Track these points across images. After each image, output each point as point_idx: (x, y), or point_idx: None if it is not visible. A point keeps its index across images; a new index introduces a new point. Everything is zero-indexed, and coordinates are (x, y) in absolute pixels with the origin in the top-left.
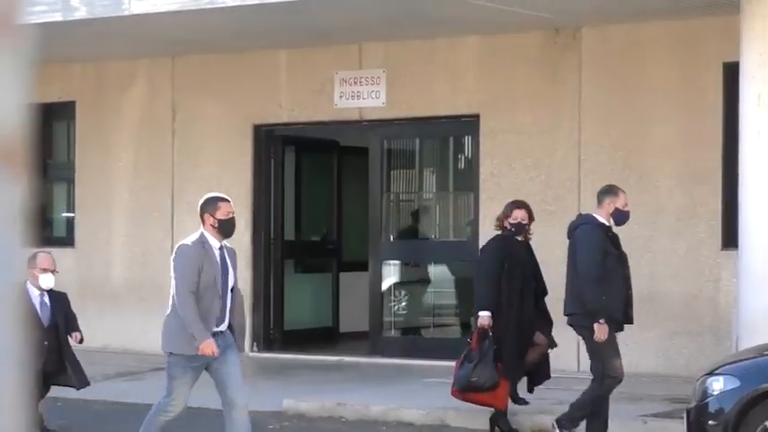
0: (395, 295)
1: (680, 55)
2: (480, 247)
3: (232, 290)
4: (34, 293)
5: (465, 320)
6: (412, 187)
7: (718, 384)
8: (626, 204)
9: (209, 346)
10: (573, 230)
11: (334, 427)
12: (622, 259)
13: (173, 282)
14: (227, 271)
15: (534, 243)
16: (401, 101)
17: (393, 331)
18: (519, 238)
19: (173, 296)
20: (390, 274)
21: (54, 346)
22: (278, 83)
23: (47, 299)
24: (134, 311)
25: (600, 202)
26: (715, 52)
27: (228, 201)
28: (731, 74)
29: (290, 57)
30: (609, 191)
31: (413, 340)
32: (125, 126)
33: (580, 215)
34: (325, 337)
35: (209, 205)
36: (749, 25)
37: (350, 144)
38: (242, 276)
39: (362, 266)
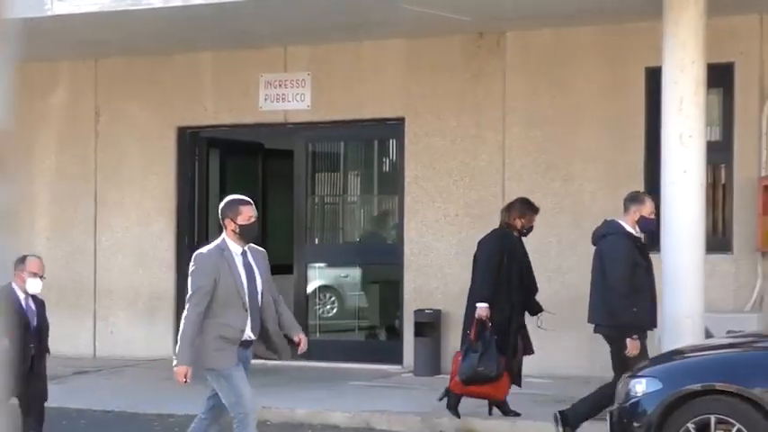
0: (320, 298)
1: (604, 60)
2: (478, 240)
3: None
4: (20, 296)
5: (390, 323)
6: (337, 190)
7: (640, 386)
8: (652, 212)
9: (180, 372)
10: (599, 238)
11: (259, 430)
12: (650, 268)
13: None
14: (254, 277)
15: (461, 246)
16: (326, 104)
17: (318, 334)
18: (515, 234)
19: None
20: (315, 277)
21: (37, 351)
22: (202, 85)
23: (32, 303)
24: (57, 314)
25: (626, 209)
26: (638, 58)
27: (251, 204)
28: (654, 79)
29: (214, 59)
30: (635, 198)
31: (338, 343)
32: (48, 128)
33: (606, 222)
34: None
35: (231, 209)
36: (671, 31)
37: (275, 147)
38: (165, 279)
39: (287, 269)
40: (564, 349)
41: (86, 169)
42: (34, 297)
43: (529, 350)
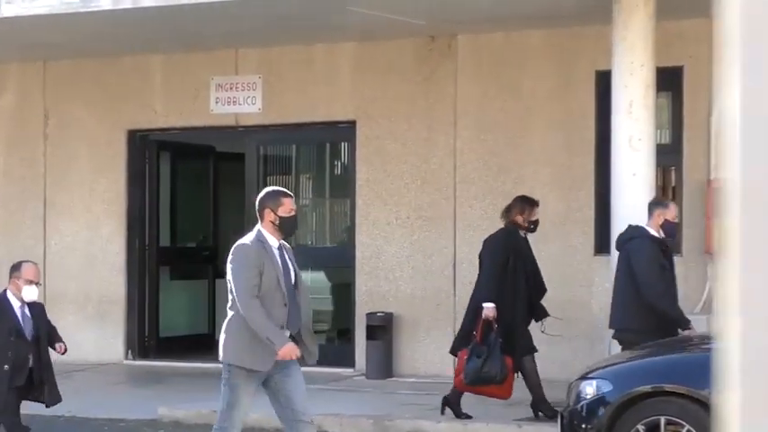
0: None
1: (554, 63)
2: (484, 239)
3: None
4: (15, 305)
5: (342, 327)
6: None
7: (590, 388)
8: (676, 216)
9: (290, 350)
10: (624, 243)
11: None
12: (673, 271)
13: (230, 286)
14: (289, 271)
15: (412, 249)
16: (278, 107)
17: None
18: (521, 233)
19: (231, 303)
20: None
21: (36, 360)
22: (153, 88)
23: (27, 310)
24: None
25: (650, 213)
26: (588, 61)
27: (292, 196)
28: (604, 82)
29: (164, 61)
30: (659, 203)
31: None
32: None
33: (630, 227)
34: (202, 344)
35: (271, 200)
36: (621, 35)
37: (226, 150)
38: (115, 282)
39: None
40: None
41: (35, 172)
42: (31, 303)
43: (532, 349)
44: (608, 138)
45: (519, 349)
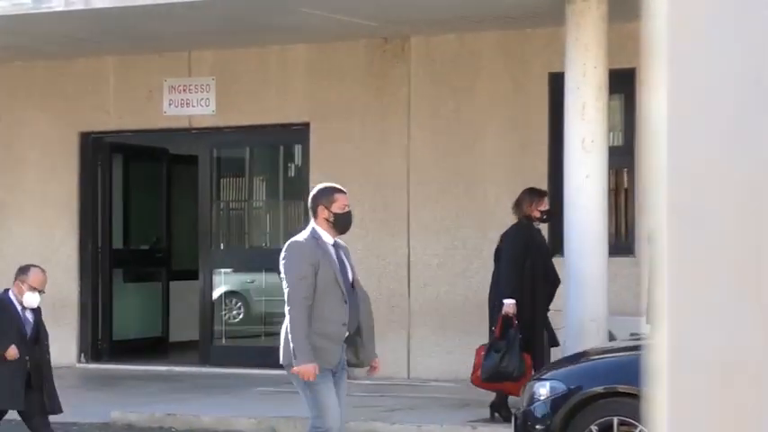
0: (225, 304)
1: (507, 65)
2: (501, 234)
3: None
4: (17, 306)
5: None
6: (242, 195)
7: (544, 389)
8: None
9: (308, 371)
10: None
11: None
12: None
13: (284, 284)
14: (346, 270)
15: (366, 250)
16: (231, 109)
17: (224, 340)
18: (535, 225)
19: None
20: (221, 283)
21: (33, 364)
22: (105, 90)
23: (29, 313)
24: None
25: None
26: (541, 63)
27: (345, 192)
28: (557, 84)
29: (117, 63)
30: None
31: (244, 349)
32: None
33: None
34: (155, 347)
35: (325, 196)
36: (574, 37)
37: (179, 152)
38: (68, 285)
39: (193, 275)
40: (469, 352)
41: None
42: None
43: (554, 342)
44: (561, 139)
45: (545, 342)
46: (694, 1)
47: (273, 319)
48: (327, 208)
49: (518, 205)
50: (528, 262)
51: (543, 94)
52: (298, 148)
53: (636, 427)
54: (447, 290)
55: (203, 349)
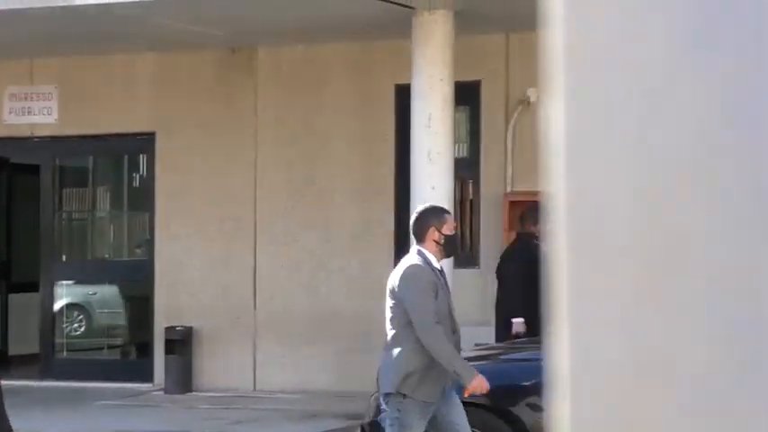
0: (67, 316)
1: (355, 76)
2: (503, 252)
3: None
4: None
5: (141, 341)
6: (85, 206)
7: None
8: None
9: (481, 383)
10: None
11: None
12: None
13: (393, 312)
14: (450, 295)
15: (212, 262)
16: (74, 117)
17: (65, 353)
18: (535, 242)
19: (393, 329)
20: (63, 295)
21: None
22: None
23: None
24: None
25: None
26: (388, 74)
27: (451, 213)
28: (404, 96)
29: None
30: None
31: (87, 362)
32: None
33: None
34: None
35: (435, 217)
36: (420, 49)
37: (21, 161)
38: None
39: (34, 287)
40: (315, 364)
41: None
42: None
43: None
44: (408, 151)
45: None
46: (591, 15)
47: (115, 332)
48: (438, 229)
49: (521, 221)
50: (534, 279)
51: (390, 106)
52: (143, 158)
53: None
54: (294, 301)
55: (44, 363)
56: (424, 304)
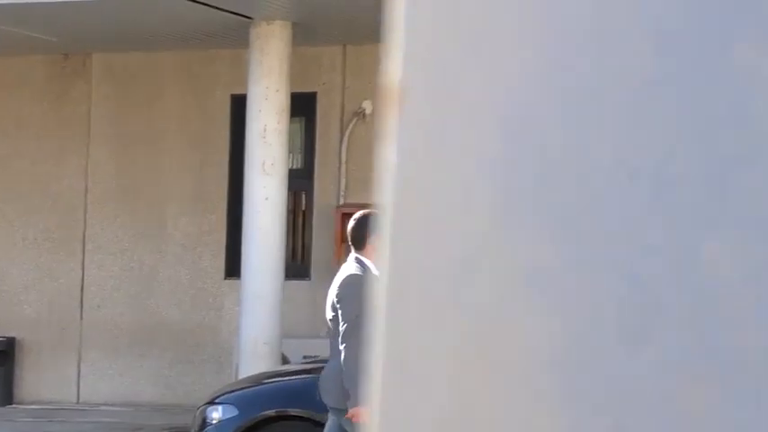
0: None
1: (190, 85)
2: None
3: None
4: None
5: None
6: None
7: (216, 413)
8: None
9: (363, 414)
10: None
11: None
12: None
13: (341, 317)
14: None
15: (39, 271)
16: None
17: None
18: None
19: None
20: None
21: None
22: None
23: None
24: None
25: None
26: (224, 84)
27: None
28: (239, 106)
29: None
30: None
31: None
32: None
33: None
34: None
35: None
36: (257, 60)
37: None
38: None
39: None
40: (142, 376)
41: None
42: None
43: None
44: (242, 162)
45: None
46: (428, 33)
47: None
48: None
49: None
50: None
51: (225, 115)
52: None
53: None
54: (122, 312)
55: None
56: (353, 316)
